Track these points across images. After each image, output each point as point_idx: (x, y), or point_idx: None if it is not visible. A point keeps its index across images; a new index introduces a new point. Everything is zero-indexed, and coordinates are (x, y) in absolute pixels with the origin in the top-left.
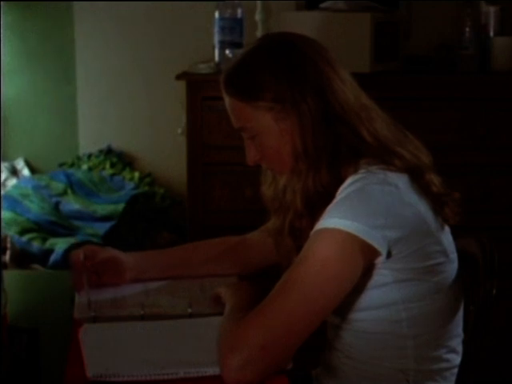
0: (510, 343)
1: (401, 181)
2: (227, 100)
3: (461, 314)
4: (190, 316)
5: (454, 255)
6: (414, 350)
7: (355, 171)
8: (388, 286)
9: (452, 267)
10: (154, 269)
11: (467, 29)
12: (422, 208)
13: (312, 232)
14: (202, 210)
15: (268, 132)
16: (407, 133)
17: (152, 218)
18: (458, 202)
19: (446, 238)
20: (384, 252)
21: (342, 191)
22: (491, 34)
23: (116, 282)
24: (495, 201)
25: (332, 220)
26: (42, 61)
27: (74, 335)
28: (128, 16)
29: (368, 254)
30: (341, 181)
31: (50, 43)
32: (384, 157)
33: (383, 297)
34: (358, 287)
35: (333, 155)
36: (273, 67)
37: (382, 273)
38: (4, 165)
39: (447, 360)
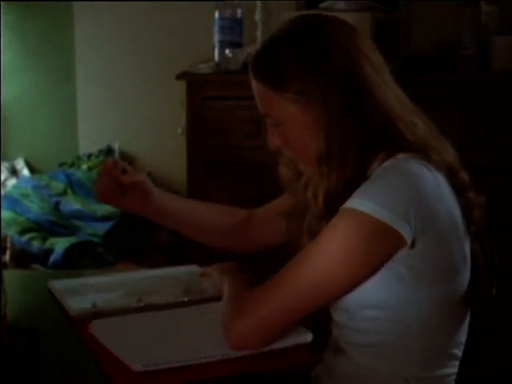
0: (510, 343)
1: (440, 176)
2: (254, 83)
3: (467, 323)
4: (186, 304)
5: (469, 264)
6: (419, 356)
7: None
8: (403, 284)
9: (466, 276)
10: (169, 216)
11: (467, 29)
12: (456, 211)
13: (340, 209)
14: None
15: (293, 123)
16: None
17: None
18: (483, 206)
19: (467, 245)
20: (409, 241)
21: (381, 169)
22: (491, 34)
23: (140, 208)
24: (495, 201)
25: (362, 202)
26: (42, 61)
27: (77, 333)
28: (128, 16)
29: (393, 241)
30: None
31: (50, 43)
32: (423, 152)
33: (395, 296)
34: (371, 282)
35: (361, 152)
36: (301, 57)
37: (399, 270)
38: (4, 165)
39: (450, 367)
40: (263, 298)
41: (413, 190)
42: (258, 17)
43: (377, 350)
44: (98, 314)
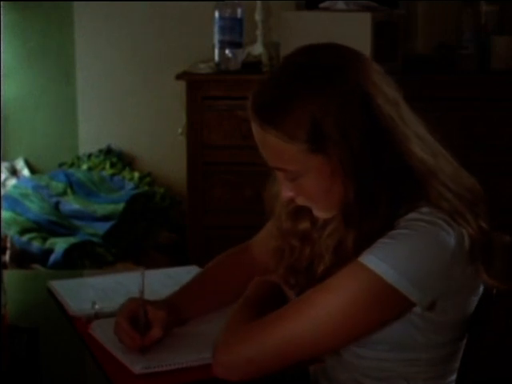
0: (510, 343)
1: (459, 230)
2: (260, 134)
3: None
4: None
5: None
6: (424, 376)
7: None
8: (417, 331)
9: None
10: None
11: (467, 29)
12: (471, 265)
13: (354, 261)
14: (201, 209)
15: (317, 174)
16: (460, 168)
17: (152, 218)
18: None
19: (481, 284)
20: (421, 306)
21: (403, 224)
22: (491, 33)
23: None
24: (495, 201)
25: (378, 262)
26: (42, 61)
27: (77, 333)
28: (128, 16)
29: (402, 307)
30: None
31: (49, 43)
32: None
33: (407, 338)
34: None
35: (388, 196)
36: (315, 98)
37: (414, 319)
38: (4, 165)
39: (451, 376)
40: (256, 336)
41: (436, 261)
42: (257, 17)
43: (378, 373)
44: (97, 314)
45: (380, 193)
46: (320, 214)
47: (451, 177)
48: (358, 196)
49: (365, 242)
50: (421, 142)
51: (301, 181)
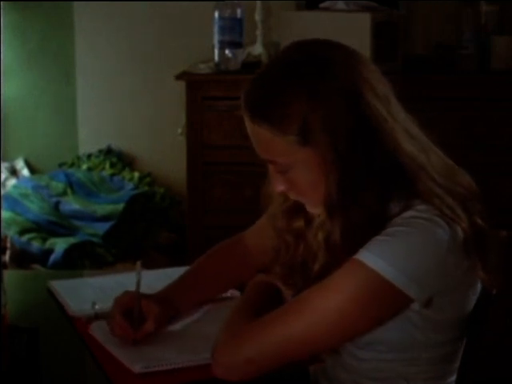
0: (509, 343)
1: (453, 227)
2: (251, 127)
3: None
4: None
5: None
6: (424, 376)
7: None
8: (415, 328)
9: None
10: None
11: (467, 29)
12: (468, 260)
13: (351, 259)
14: (201, 209)
15: (305, 167)
16: (454, 165)
17: (152, 218)
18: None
19: (478, 282)
20: (419, 302)
21: (400, 222)
22: (491, 33)
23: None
24: (495, 201)
25: (376, 259)
26: (42, 61)
27: (76, 333)
28: (128, 16)
29: (400, 303)
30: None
31: (50, 43)
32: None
33: (406, 336)
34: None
35: (376, 192)
36: (303, 92)
37: (413, 316)
38: (4, 165)
39: (451, 377)
40: (255, 336)
41: (433, 258)
42: (257, 17)
43: (377, 374)
44: (97, 314)
45: (367, 187)
46: (312, 209)
47: (442, 173)
48: (340, 189)
49: (352, 236)
50: (411, 138)
51: (291, 174)
